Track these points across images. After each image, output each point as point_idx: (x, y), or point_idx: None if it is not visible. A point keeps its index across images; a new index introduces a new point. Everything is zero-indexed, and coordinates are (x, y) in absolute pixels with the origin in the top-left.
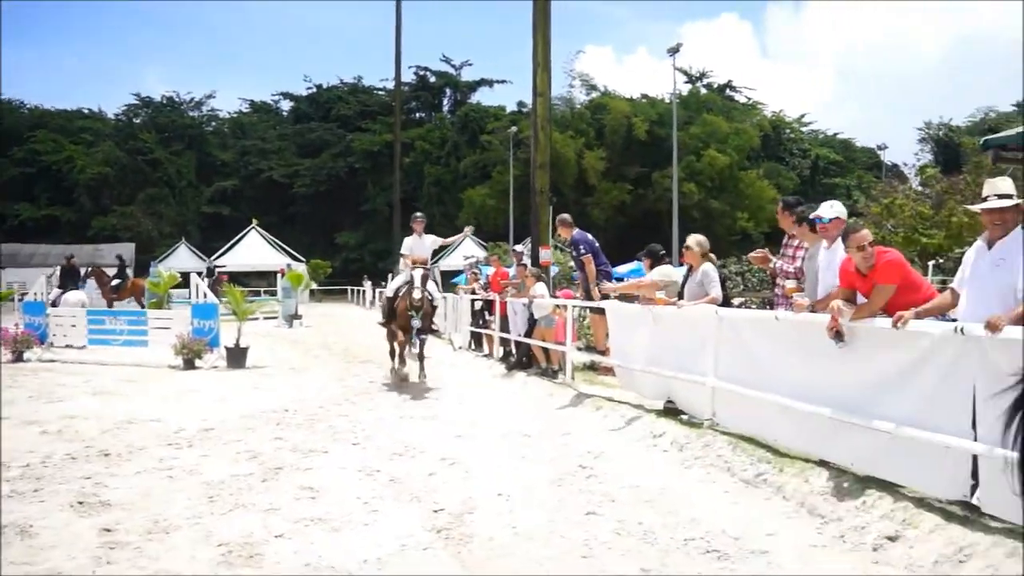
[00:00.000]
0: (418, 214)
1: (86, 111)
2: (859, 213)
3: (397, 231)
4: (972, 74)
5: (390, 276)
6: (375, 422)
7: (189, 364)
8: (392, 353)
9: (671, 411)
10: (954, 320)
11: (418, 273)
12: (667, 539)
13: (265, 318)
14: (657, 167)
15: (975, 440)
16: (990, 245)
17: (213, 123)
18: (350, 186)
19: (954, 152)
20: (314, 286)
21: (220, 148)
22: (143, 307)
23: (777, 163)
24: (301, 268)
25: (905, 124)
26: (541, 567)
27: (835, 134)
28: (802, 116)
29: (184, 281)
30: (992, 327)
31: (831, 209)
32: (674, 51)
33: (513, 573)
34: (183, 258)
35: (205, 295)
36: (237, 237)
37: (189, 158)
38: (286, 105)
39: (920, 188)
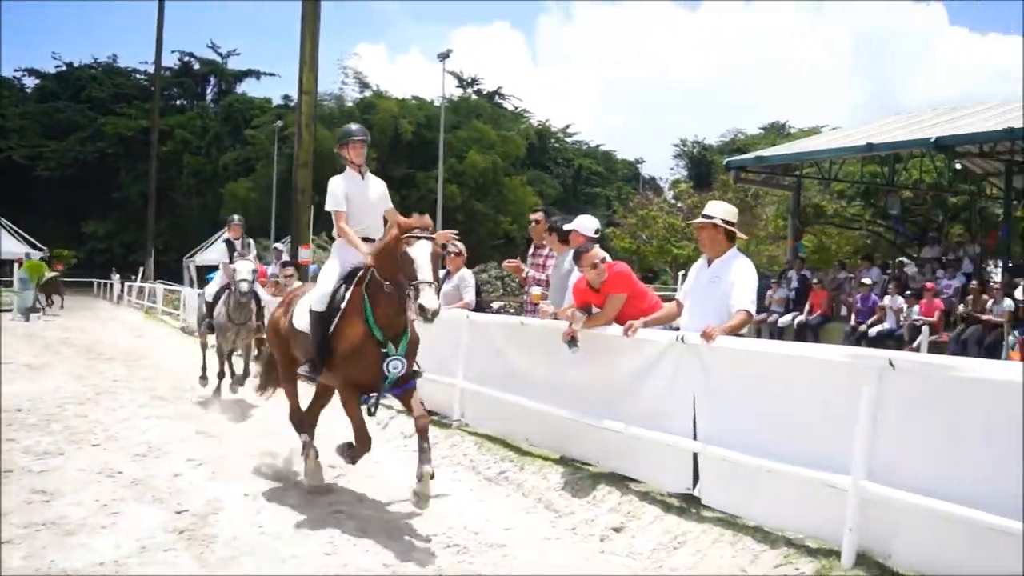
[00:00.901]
0: (354, 127)
1: None
2: (617, 224)
3: (152, 222)
4: (725, 96)
5: (141, 270)
6: (118, 422)
7: None
8: (304, 429)
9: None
10: (678, 330)
11: (425, 251)
12: (410, 535)
13: None
14: (422, 169)
15: (695, 439)
16: (709, 262)
17: None
18: (101, 172)
19: (707, 168)
20: (51, 274)
21: None
22: None
23: (542, 171)
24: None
25: (663, 140)
26: (284, 564)
27: (597, 145)
28: (567, 127)
29: None
30: (707, 337)
31: (592, 221)
32: (444, 56)
33: (255, 571)
34: None
35: None
36: None
37: None
38: (31, 82)
39: (673, 201)
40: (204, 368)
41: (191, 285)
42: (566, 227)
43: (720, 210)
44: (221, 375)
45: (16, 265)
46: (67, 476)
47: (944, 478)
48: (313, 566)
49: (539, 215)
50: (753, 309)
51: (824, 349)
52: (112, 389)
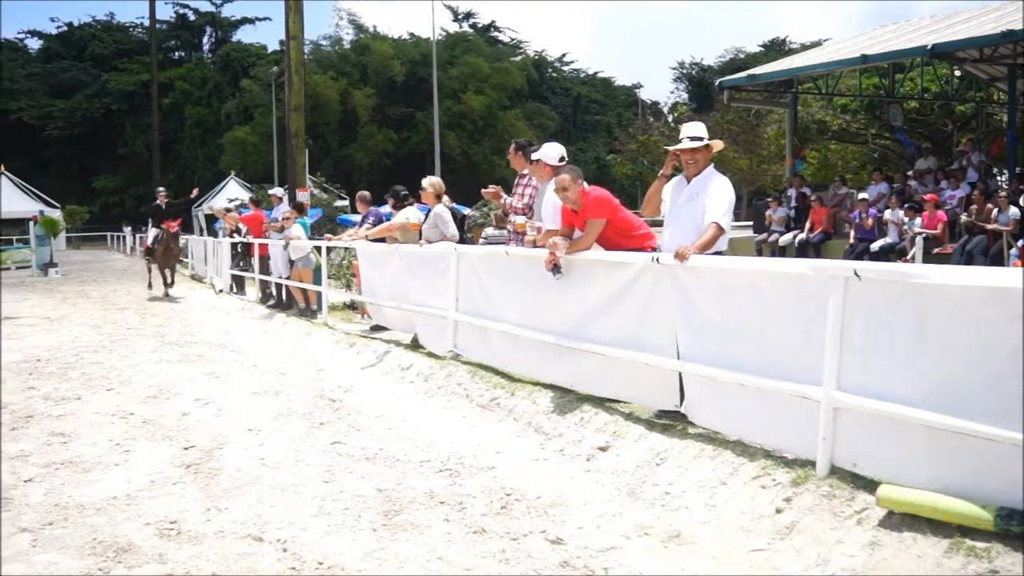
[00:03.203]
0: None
1: None
2: (618, 151)
3: (157, 173)
4: (724, 19)
5: (150, 221)
6: (131, 367)
7: None
8: None
9: (419, 344)
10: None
11: None
12: (405, 462)
13: (18, 267)
14: (420, 108)
15: (677, 357)
16: (688, 180)
17: None
18: (107, 128)
19: (707, 90)
20: (66, 226)
21: None
22: None
23: (540, 102)
24: (56, 214)
25: (662, 63)
26: (283, 493)
27: (595, 73)
28: (564, 55)
29: None
30: (680, 256)
31: (556, 149)
32: None
33: (256, 500)
34: None
35: None
36: None
37: None
38: (34, 44)
39: (674, 125)
40: None
41: (200, 233)
42: (533, 157)
43: (704, 130)
44: None
45: (32, 222)
46: (83, 419)
47: (910, 384)
48: (311, 493)
49: (512, 147)
50: (725, 223)
51: (791, 262)
52: (126, 337)
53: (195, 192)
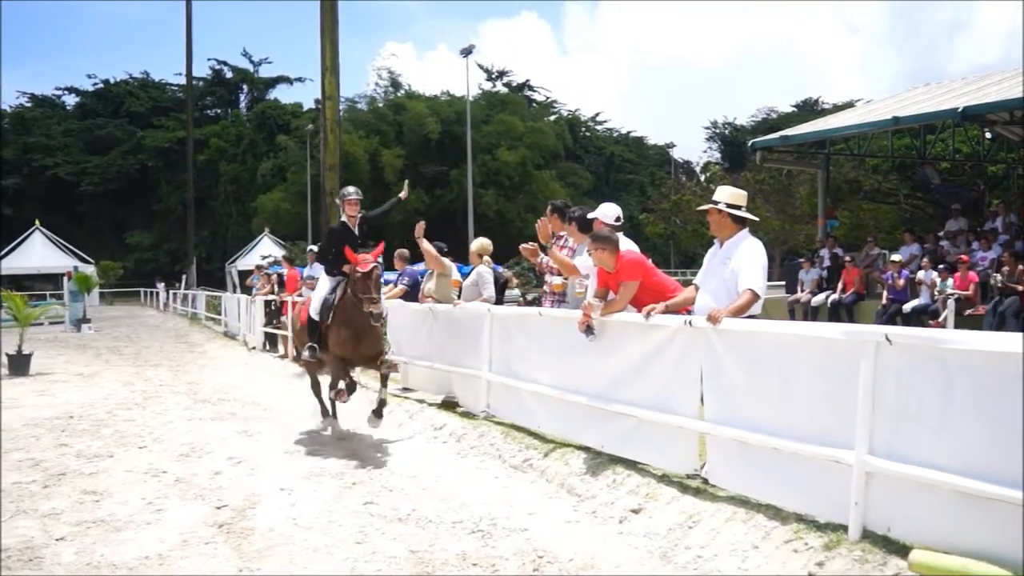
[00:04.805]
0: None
1: None
2: (650, 210)
3: (191, 230)
4: (755, 77)
5: (184, 277)
6: (164, 425)
7: None
8: None
9: (451, 404)
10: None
11: None
12: (437, 523)
13: (51, 323)
14: (455, 165)
15: (703, 420)
16: (721, 244)
17: None
18: (142, 184)
19: (740, 150)
20: (99, 282)
21: None
22: None
23: (573, 161)
24: (89, 270)
25: (694, 122)
26: (316, 553)
27: (628, 132)
28: (597, 115)
29: None
30: (712, 320)
31: (613, 209)
32: (467, 52)
33: (288, 561)
34: None
35: None
36: (19, 239)
37: None
38: (71, 100)
39: (707, 184)
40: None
41: (233, 291)
42: (589, 215)
43: (725, 194)
44: None
45: (66, 278)
46: (116, 477)
47: (941, 449)
48: (343, 555)
49: (548, 209)
50: (759, 288)
51: (822, 327)
52: (159, 394)
53: (405, 192)
